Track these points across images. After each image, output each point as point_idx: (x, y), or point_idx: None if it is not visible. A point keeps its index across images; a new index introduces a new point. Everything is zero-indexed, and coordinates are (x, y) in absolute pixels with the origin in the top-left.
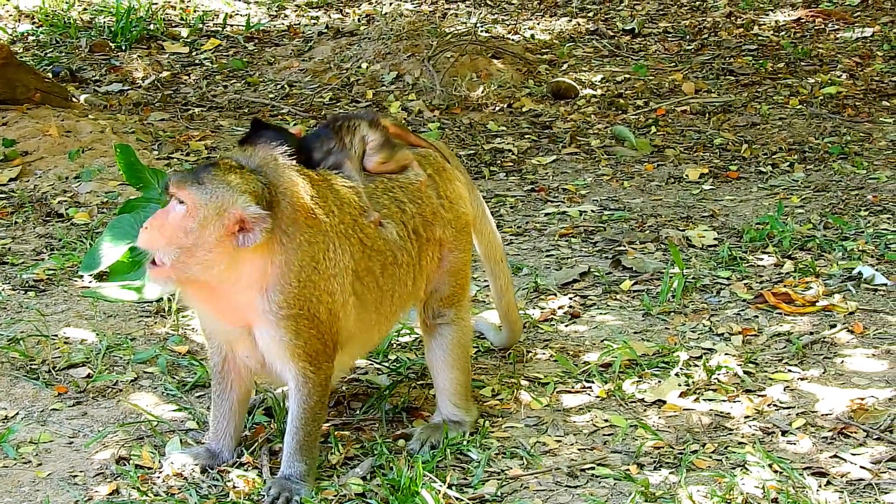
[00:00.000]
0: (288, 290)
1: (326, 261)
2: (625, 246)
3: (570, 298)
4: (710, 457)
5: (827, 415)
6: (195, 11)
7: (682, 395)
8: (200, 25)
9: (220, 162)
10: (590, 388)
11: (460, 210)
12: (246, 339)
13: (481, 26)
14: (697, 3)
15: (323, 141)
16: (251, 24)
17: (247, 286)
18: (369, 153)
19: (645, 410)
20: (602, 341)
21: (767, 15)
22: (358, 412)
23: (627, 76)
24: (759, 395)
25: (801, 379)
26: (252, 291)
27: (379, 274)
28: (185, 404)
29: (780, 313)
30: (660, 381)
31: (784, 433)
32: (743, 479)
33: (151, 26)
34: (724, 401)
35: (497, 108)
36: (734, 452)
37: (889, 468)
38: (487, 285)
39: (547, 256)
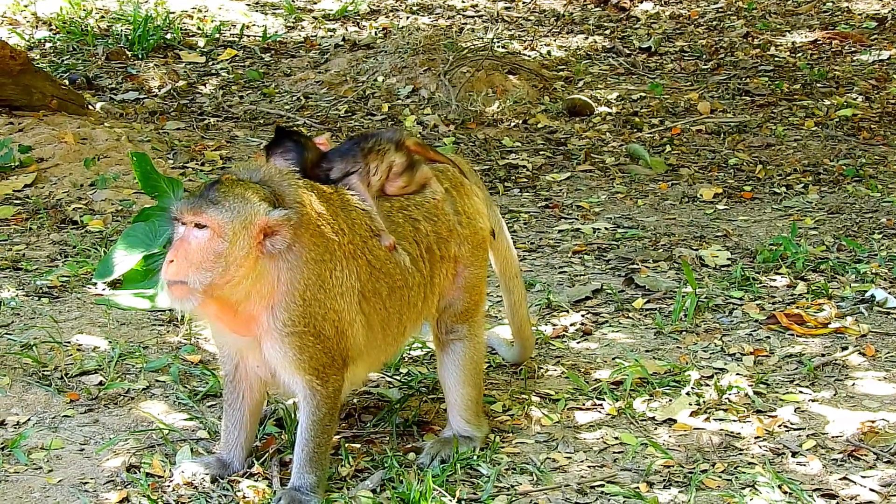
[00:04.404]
0: (293, 308)
1: (333, 279)
2: (638, 264)
3: (583, 315)
4: (720, 476)
5: (837, 437)
6: (212, 21)
7: (693, 414)
8: (217, 35)
9: (223, 179)
10: (600, 405)
11: (478, 225)
12: (255, 350)
13: (498, 42)
14: (714, 22)
15: (347, 161)
16: (268, 35)
17: (256, 301)
18: (392, 178)
19: (655, 429)
20: (613, 359)
21: (784, 36)
22: (369, 425)
23: (643, 94)
24: (769, 416)
25: (812, 400)
26: (260, 307)
27: (386, 296)
28: (197, 413)
29: (792, 334)
30: (671, 400)
31: (794, 454)
32: (752, 499)
33: (168, 35)
34: (734, 421)
35: (512, 124)
36: (744, 473)
37: None
38: (499, 301)
39: (560, 273)
